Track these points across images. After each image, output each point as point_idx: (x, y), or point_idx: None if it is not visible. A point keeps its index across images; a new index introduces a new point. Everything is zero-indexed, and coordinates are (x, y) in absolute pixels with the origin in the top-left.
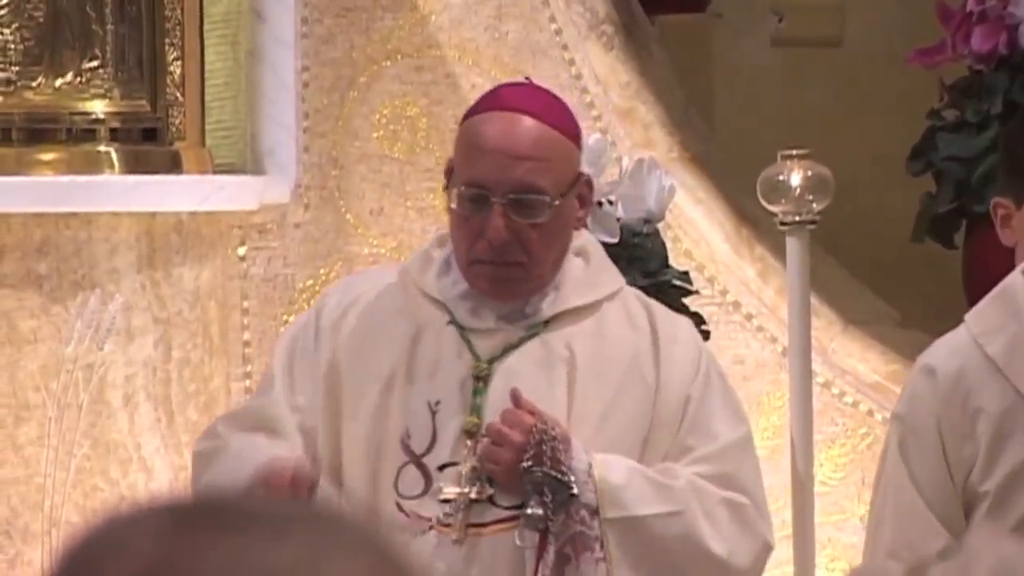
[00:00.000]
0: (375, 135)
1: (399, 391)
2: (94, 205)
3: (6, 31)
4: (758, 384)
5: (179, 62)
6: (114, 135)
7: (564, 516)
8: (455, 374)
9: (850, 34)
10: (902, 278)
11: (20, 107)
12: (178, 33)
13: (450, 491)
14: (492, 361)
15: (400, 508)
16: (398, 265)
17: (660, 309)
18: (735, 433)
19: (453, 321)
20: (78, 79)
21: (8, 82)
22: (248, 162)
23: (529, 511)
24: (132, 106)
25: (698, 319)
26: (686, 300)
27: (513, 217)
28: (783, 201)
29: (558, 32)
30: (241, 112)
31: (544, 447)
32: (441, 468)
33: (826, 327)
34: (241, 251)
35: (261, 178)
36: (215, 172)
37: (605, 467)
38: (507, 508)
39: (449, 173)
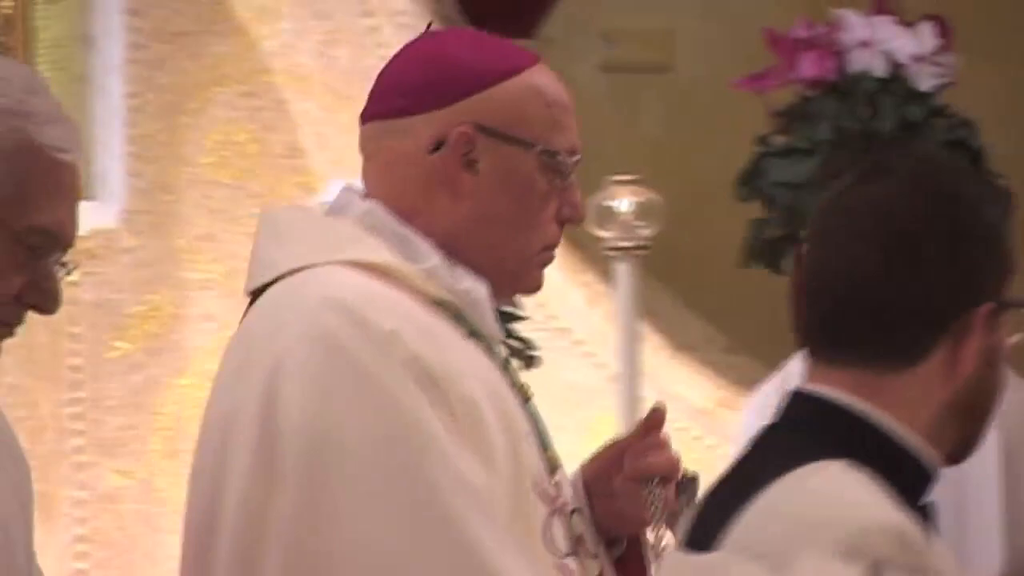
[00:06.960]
0: (205, 161)
1: None
2: None
3: None
4: (588, 409)
5: None
6: None
7: None
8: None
9: (680, 60)
10: (732, 304)
11: None
12: (12, 58)
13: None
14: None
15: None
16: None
17: None
18: None
19: (474, 334)
20: None
21: None
22: None
23: None
24: None
25: (529, 345)
26: (516, 325)
27: None
28: (613, 227)
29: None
30: None
31: None
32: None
33: (655, 352)
34: (73, 276)
35: (90, 203)
36: None
37: None
38: None
39: (473, 139)
